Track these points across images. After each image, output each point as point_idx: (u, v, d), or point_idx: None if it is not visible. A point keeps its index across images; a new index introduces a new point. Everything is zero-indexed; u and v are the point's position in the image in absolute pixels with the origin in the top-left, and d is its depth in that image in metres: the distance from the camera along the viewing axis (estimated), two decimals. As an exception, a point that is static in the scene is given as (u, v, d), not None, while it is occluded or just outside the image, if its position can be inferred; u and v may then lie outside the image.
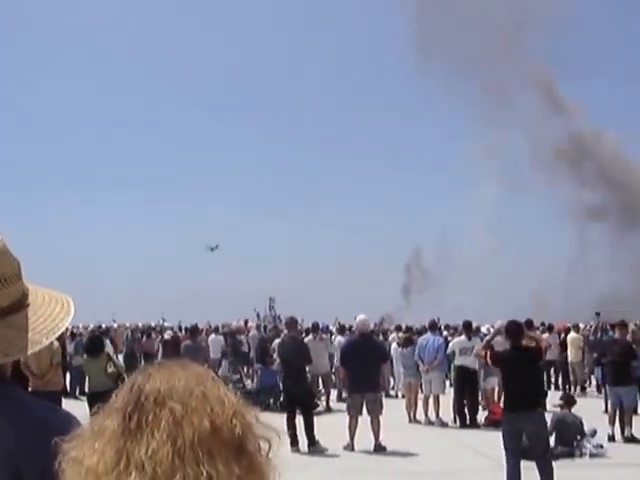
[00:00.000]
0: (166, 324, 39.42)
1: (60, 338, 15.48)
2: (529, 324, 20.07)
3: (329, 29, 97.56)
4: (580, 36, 77.93)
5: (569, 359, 22.40)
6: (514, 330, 10.09)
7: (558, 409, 14.00)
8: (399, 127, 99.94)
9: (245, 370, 25.70)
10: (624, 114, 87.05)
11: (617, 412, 14.58)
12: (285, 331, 16.41)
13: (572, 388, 21.72)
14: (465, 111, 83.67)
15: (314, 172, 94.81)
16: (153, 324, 39.00)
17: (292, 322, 15.28)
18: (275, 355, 16.57)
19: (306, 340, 17.74)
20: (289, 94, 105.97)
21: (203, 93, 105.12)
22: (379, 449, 13.45)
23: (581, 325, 25.09)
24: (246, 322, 33.55)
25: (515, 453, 9.55)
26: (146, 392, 1.38)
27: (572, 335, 22.88)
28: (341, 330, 26.05)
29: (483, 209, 69.41)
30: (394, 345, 21.06)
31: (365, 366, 13.62)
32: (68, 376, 20.24)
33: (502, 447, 9.74)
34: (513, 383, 9.82)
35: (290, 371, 14.26)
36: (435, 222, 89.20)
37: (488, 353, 10.32)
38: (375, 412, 13.65)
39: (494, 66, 64.57)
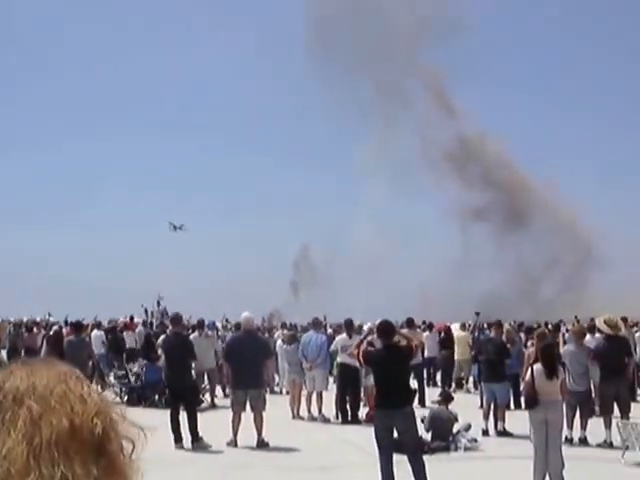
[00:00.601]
0: (52, 319, 38.48)
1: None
2: (410, 322, 20.64)
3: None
4: (474, 41, 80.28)
5: (456, 357, 22.64)
6: (385, 329, 10.25)
7: (436, 405, 14.53)
8: (290, 124, 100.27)
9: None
10: (511, 118, 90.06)
11: (491, 407, 15.19)
12: (170, 327, 16.34)
13: (452, 385, 22.29)
14: (358, 110, 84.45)
15: (212, 164, 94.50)
16: (39, 319, 37.98)
17: (177, 318, 15.20)
18: (160, 351, 16.45)
19: (192, 337, 17.75)
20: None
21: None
22: (262, 445, 13.55)
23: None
24: (132, 318, 33.10)
25: (387, 449, 9.69)
26: (5, 390, 1.33)
27: (460, 334, 23.16)
28: (237, 327, 26.00)
29: (373, 208, 70.51)
30: (279, 342, 21.25)
31: (249, 362, 13.68)
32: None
33: (378, 443, 9.95)
34: (384, 381, 9.93)
35: (174, 367, 14.12)
36: (326, 220, 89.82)
37: (360, 352, 10.42)
38: (258, 408, 13.74)
39: (388, 66, 65.67)
